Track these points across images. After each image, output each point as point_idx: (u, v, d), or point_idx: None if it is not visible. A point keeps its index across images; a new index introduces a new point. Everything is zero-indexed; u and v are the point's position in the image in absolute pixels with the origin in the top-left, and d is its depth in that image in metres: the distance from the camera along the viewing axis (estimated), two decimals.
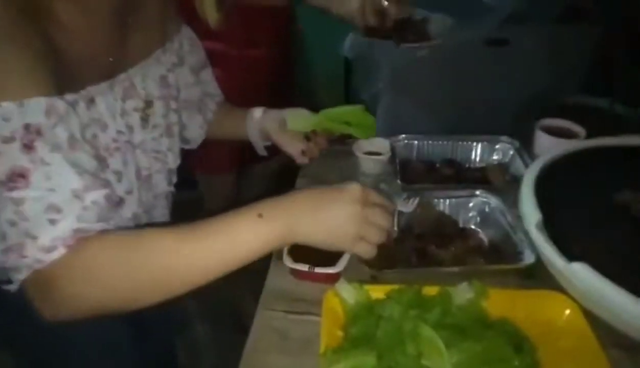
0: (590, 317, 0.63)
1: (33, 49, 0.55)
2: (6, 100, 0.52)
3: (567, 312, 0.65)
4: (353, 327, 0.64)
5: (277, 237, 0.61)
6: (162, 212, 0.85)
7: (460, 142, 1.05)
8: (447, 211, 0.87)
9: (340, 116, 0.80)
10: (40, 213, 0.53)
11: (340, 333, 0.65)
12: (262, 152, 0.97)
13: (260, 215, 0.60)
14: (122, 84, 0.69)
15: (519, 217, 0.77)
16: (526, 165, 0.95)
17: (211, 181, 1.57)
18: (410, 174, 0.99)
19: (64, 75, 0.59)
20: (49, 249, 0.54)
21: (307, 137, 0.89)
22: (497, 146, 1.04)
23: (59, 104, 0.57)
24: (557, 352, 0.63)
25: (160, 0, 0.76)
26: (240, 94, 1.04)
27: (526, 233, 0.74)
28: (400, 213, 0.82)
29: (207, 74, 0.95)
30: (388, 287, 0.69)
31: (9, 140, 0.53)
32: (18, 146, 0.53)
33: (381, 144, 1.02)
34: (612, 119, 1.05)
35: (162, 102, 0.76)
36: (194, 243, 0.58)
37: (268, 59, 1.34)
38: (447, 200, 0.88)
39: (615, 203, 0.73)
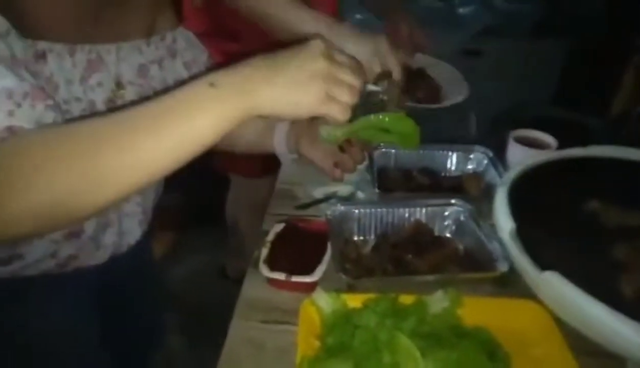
0: (563, 325, 0.65)
1: None
2: None
3: (540, 319, 0.67)
4: (329, 336, 0.64)
5: (236, 109, 0.52)
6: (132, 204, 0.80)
7: (436, 151, 1.06)
8: (423, 220, 0.88)
9: (378, 123, 0.69)
10: None
11: (317, 342, 0.65)
12: (289, 164, 0.91)
13: (212, 85, 0.51)
14: (86, 55, 0.64)
15: (493, 226, 0.78)
16: (500, 175, 0.97)
17: (243, 183, 1.56)
18: (387, 182, 1.00)
19: (17, 17, 0.55)
20: None
21: (341, 148, 0.81)
22: (471, 156, 1.06)
23: (2, 21, 0.53)
24: (530, 360, 0.64)
25: None
26: None
27: (500, 242, 0.75)
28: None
29: None
30: (365, 296, 0.69)
31: None
32: None
33: None
34: (581, 130, 1.07)
35: (135, 89, 0.71)
36: (146, 135, 0.49)
37: None
38: (424, 209, 0.89)
39: (585, 213, 0.75)
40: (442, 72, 1.32)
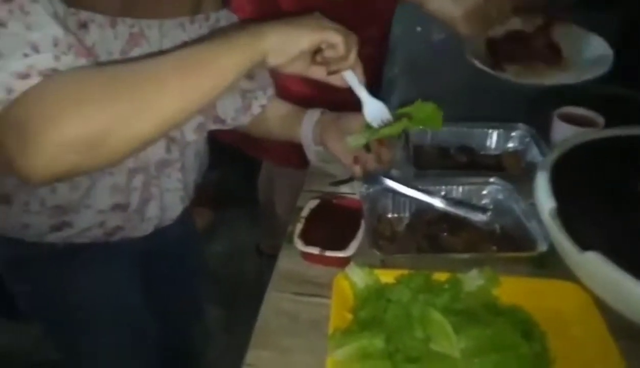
0: (602, 306, 0.63)
1: None
2: None
3: (579, 301, 0.65)
4: (362, 310, 0.65)
5: (248, 51, 0.59)
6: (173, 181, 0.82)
7: (475, 129, 1.04)
8: (460, 197, 0.87)
9: (400, 118, 0.72)
10: (17, 47, 0.50)
11: (349, 315, 0.66)
12: (313, 157, 0.91)
13: (226, 35, 0.60)
14: (128, 28, 0.66)
15: (533, 205, 0.76)
16: (543, 154, 0.94)
17: (281, 172, 1.53)
18: (423, 159, 0.99)
19: None
20: (23, 76, 0.49)
21: (367, 148, 0.82)
22: (513, 134, 1.03)
23: None
24: (567, 341, 0.62)
25: None
26: None
27: (540, 222, 0.73)
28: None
29: None
30: (398, 272, 0.69)
31: None
32: None
33: None
34: (631, 107, 1.02)
35: None
36: (175, 77, 0.55)
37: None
38: (460, 187, 0.87)
39: (631, 193, 0.71)
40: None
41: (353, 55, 0.68)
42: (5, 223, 0.74)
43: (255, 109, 0.91)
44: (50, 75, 0.50)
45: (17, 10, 0.50)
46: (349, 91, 0.75)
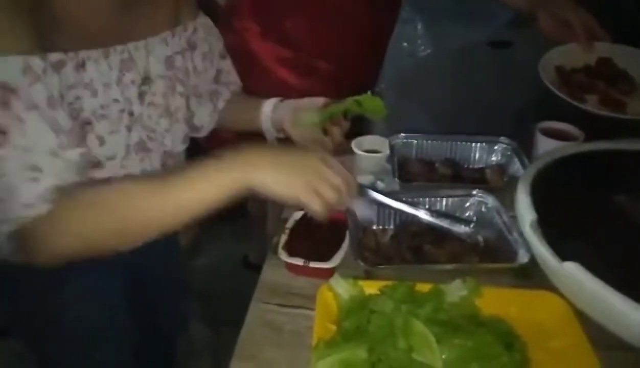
0: (582, 317, 0.64)
1: (17, 3, 0.57)
2: None
3: (559, 311, 0.66)
4: (346, 320, 0.65)
5: (235, 181, 0.62)
6: None
7: (459, 142, 1.05)
8: (444, 209, 0.88)
9: (351, 105, 0.81)
10: (22, 171, 0.58)
11: (333, 327, 0.66)
12: (273, 141, 0.93)
13: (218, 160, 0.63)
14: (119, 55, 0.69)
15: (514, 218, 0.77)
16: (524, 167, 0.95)
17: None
18: (408, 172, 1.00)
19: (53, 34, 0.61)
20: (31, 206, 0.58)
21: (325, 131, 0.86)
22: (495, 147, 1.04)
23: (37, 62, 0.59)
24: (548, 351, 0.63)
25: None
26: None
27: (521, 234, 0.74)
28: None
29: (226, 64, 0.93)
30: (381, 283, 0.69)
31: None
32: None
33: (380, 142, 1.03)
34: (610, 123, 1.05)
35: (164, 81, 0.76)
36: (159, 199, 0.62)
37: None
38: (444, 199, 0.88)
39: (610, 206, 0.73)
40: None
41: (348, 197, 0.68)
42: None
43: (220, 104, 0.93)
44: (51, 201, 0.59)
45: (15, 119, 0.57)
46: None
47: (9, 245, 0.63)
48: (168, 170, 0.66)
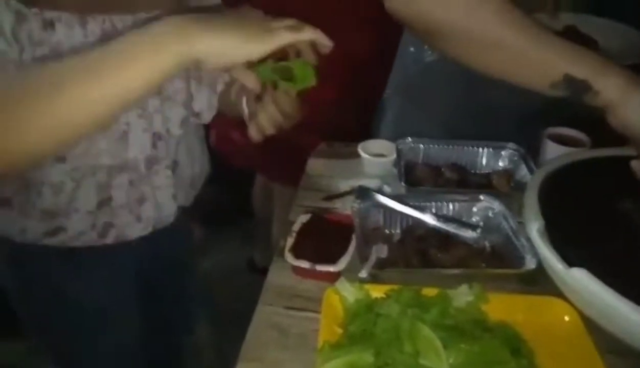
0: (589, 323, 0.63)
1: None
2: None
3: (566, 317, 0.66)
4: (351, 324, 0.65)
5: (171, 57, 0.51)
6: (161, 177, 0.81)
7: (466, 148, 1.05)
8: (451, 214, 0.88)
9: (285, 67, 0.66)
10: None
11: (339, 330, 0.66)
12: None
13: (145, 32, 0.51)
14: (99, 25, 0.64)
15: (521, 224, 0.77)
16: (531, 173, 0.95)
17: (281, 190, 1.48)
18: (414, 176, 1.00)
19: None
20: None
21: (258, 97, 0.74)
22: (503, 153, 1.04)
23: None
24: (554, 357, 0.63)
25: None
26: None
27: (528, 239, 0.74)
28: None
29: None
30: (387, 287, 0.69)
31: None
32: None
33: (386, 146, 1.03)
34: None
35: None
36: (92, 83, 0.51)
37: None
38: (451, 204, 0.88)
39: (618, 212, 0.73)
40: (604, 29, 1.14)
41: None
42: (6, 226, 0.76)
43: (219, 87, 0.86)
44: None
45: None
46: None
47: None
48: (94, 49, 0.51)
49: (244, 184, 1.88)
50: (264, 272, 0.81)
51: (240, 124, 1.16)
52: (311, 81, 0.68)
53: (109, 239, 0.79)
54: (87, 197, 0.74)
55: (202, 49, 0.51)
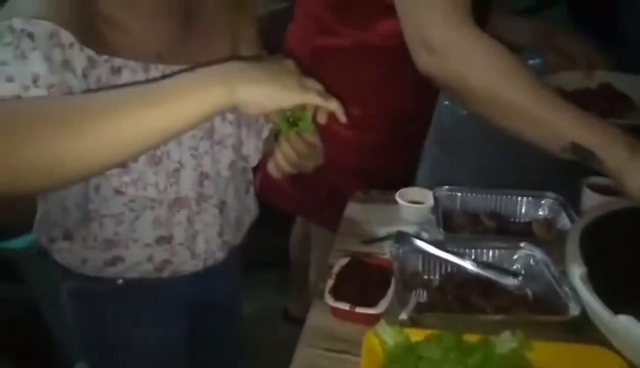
0: None
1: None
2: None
3: (613, 366, 0.64)
4: (392, 367, 0.65)
5: (216, 97, 0.55)
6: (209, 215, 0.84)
7: (504, 196, 1.06)
8: (491, 261, 0.87)
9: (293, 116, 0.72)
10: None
11: None
12: None
13: (193, 73, 0.57)
14: (160, 73, 0.70)
15: (564, 272, 0.76)
16: (572, 221, 0.95)
17: (318, 233, 1.46)
18: (452, 224, 1.00)
19: (95, 33, 0.63)
20: None
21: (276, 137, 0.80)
22: (542, 202, 1.04)
23: (67, 36, 0.60)
24: None
25: (226, 20, 0.79)
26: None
27: (571, 287, 0.73)
28: None
29: None
30: (428, 332, 0.69)
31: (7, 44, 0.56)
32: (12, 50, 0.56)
33: (423, 194, 1.05)
34: None
35: None
36: (135, 116, 0.53)
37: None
38: (491, 251, 0.88)
39: None
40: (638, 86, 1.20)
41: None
42: (69, 259, 0.81)
43: (265, 134, 0.92)
44: (7, 99, 0.53)
45: (19, 55, 0.57)
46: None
47: None
48: (140, 85, 0.57)
49: (283, 230, 1.90)
50: (299, 322, 0.82)
51: None
52: (309, 128, 0.73)
53: (165, 273, 0.83)
54: (146, 230, 0.79)
55: (241, 96, 0.57)
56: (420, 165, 1.59)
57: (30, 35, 0.57)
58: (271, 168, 0.79)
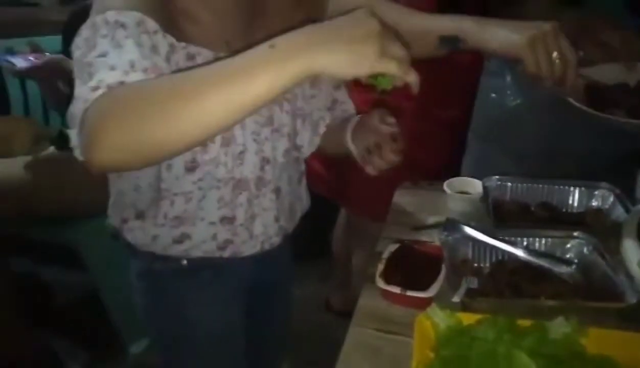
0: None
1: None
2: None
3: None
4: (445, 348, 0.66)
5: (293, 68, 0.55)
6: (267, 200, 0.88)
7: (556, 187, 1.04)
8: (543, 250, 0.87)
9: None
10: (101, 69, 0.60)
11: (431, 354, 0.67)
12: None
13: (271, 46, 0.56)
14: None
15: (620, 261, 0.75)
16: (628, 212, 0.93)
17: (364, 223, 1.49)
18: (503, 214, 1.00)
19: (175, 25, 0.70)
20: (95, 89, 0.58)
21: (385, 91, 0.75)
22: (596, 192, 1.02)
23: (152, 24, 0.67)
24: None
25: (287, 19, 0.80)
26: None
27: (628, 276, 0.72)
28: None
29: (341, 94, 0.98)
30: (480, 316, 0.70)
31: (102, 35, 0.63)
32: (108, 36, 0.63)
33: (472, 184, 1.05)
34: None
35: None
36: (222, 92, 0.55)
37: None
38: (543, 240, 0.87)
39: None
40: None
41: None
42: (140, 237, 0.86)
43: (321, 129, 0.96)
44: (114, 87, 0.58)
45: (115, 44, 0.63)
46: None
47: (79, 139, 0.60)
48: (219, 62, 0.58)
49: (319, 222, 1.92)
50: (341, 314, 0.84)
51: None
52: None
53: (227, 253, 0.87)
54: (211, 209, 0.83)
55: (319, 65, 0.55)
56: (465, 157, 1.58)
57: (123, 25, 0.64)
58: (370, 169, 0.85)
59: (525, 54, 0.79)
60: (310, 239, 2.14)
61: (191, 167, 0.79)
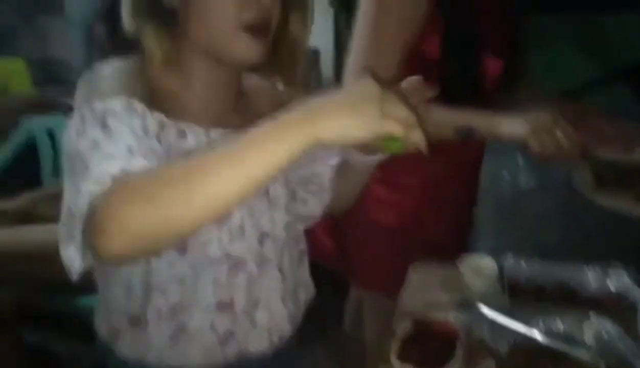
0: None
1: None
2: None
3: None
4: None
5: (300, 139, 0.55)
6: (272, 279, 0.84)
7: (572, 267, 1.04)
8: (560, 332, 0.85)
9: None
10: (99, 160, 0.61)
11: None
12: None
13: (277, 120, 0.56)
14: (220, 136, 0.76)
15: (638, 345, 0.74)
16: None
17: (374, 301, 1.45)
18: (518, 293, 0.99)
19: (160, 105, 0.72)
20: (100, 182, 0.58)
21: None
22: (612, 273, 1.01)
23: (139, 105, 0.68)
24: None
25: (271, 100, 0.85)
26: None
27: None
28: None
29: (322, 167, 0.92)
30: None
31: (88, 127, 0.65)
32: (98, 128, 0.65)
33: (487, 262, 1.05)
34: None
35: None
36: (228, 167, 0.56)
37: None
38: (559, 321, 0.86)
39: None
40: None
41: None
42: (133, 348, 0.79)
43: (326, 199, 0.92)
44: (119, 177, 0.59)
45: (108, 132, 0.64)
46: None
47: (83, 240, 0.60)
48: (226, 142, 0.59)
49: (332, 300, 1.89)
50: None
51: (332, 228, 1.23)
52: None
53: (231, 350, 0.80)
54: (205, 292, 0.77)
55: (324, 133, 0.56)
56: (475, 232, 1.57)
57: (112, 112, 0.66)
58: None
59: (530, 140, 0.92)
60: (322, 316, 2.10)
61: (183, 248, 0.74)
